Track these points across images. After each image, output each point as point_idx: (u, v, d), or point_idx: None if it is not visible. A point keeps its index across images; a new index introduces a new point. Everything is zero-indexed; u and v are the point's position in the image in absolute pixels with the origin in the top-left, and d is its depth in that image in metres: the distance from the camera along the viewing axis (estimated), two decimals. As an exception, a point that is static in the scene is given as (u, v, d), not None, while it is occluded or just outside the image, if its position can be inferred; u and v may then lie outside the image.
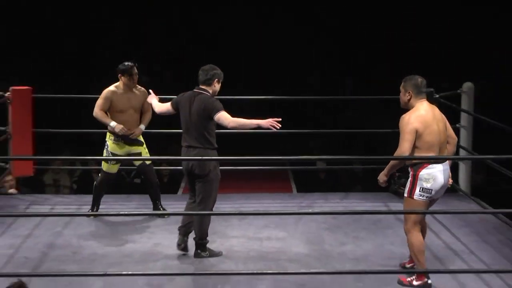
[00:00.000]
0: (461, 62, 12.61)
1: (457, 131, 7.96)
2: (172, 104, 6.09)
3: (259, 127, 5.84)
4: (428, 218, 6.92)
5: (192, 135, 5.90)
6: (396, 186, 7.93)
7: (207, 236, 6.04)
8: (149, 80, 13.00)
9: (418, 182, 5.24)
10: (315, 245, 6.42)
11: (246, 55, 13.35)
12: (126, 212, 7.34)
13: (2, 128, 7.64)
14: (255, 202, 7.79)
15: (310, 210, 7.55)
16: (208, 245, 6.08)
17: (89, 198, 7.44)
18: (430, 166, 5.20)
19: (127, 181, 9.81)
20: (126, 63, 6.91)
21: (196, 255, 6.02)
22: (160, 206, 7.23)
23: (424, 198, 5.28)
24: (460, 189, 7.89)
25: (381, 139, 10.48)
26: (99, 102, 6.91)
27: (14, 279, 4.16)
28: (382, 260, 6.06)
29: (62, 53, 12.60)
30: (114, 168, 7.06)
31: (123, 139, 6.95)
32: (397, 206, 7.60)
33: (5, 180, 8.01)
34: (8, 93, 7.53)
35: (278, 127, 5.76)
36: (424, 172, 5.22)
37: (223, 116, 5.80)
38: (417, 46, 13.09)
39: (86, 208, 7.35)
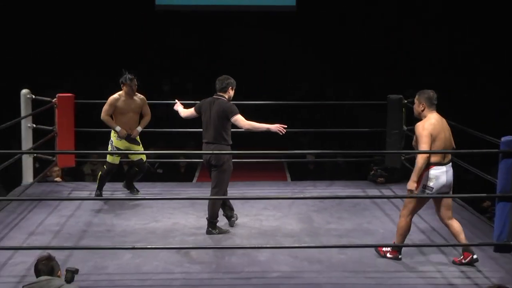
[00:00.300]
0: (418, 73, 12.62)
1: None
2: (195, 109, 6.10)
3: (268, 130, 5.84)
4: (398, 202, 6.92)
5: (211, 133, 5.89)
6: (374, 177, 7.94)
7: (217, 216, 6.02)
8: (169, 89, 13.05)
9: (423, 180, 5.11)
10: (305, 223, 6.40)
11: (247, 66, 13.35)
12: (150, 197, 7.34)
13: (50, 128, 7.66)
14: (256, 189, 7.78)
15: (301, 195, 7.52)
16: (217, 224, 6.06)
17: (119, 185, 7.44)
18: (435, 167, 5.09)
19: (152, 171, 9.80)
20: (129, 76, 6.90)
21: (208, 232, 5.99)
22: (135, 188, 7.30)
23: (425, 194, 5.15)
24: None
25: (359, 137, 10.48)
26: (105, 108, 6.93)
27: (44, 253, 4.08)
28: (361, 236, 6.05)
29: (103, 66, 12.61)
30: (116, 160, 7.13)
31: (124, 138, 6.99)
32: (373, 192, 7.63)
33: (53, 170, 8.04)
34: (55, 99, 7.55)
35: (284, 132, 5.79)
36: (429, 172, 5.10)
37: (239, 119, 5.82)
38: (386, 61, 13.10)
39: (118, 194, 7.37)
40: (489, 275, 5.08)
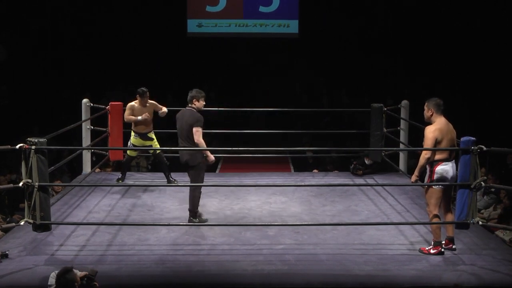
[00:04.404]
0: (398, 86, 12.57)
1: (397, 132, 7.92)
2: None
3: (206, 155, 5.49)
4: (380, 189, 6.91)
5: (183, 137, 5.50)
6: (355, 170, 7.92)
7: (198, 207, 5.67)
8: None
9: (435, 175, 4.77)
10: (305, 206, 6.39)
11: (260, 80, 13.36)
12: (182, 184, 7.33)
13: (104, 129, 7.67)
14: (266, 178, 7.75)
15: (302, 183, 7.49)
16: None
17: (159, 175, 7.45)
18: (443, 164, 4.76)
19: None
20: (143, 89, 6.90)
21: (190, 221, 5.60)
22: (171, 178, 7.14)
23: (439, 187, 4.81)
24: (400, 169, 7.83)
25: (348, 137, 10.44)
26: (126, 112, 6.94)
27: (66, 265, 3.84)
28: (349, 215, 6.04)
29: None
30: (134, 153, 7.28)
31: (139, 136, 6.98)
32: (360, 181, 7.58)
33: (105, 170, 8.15)
34: (108, 106, 7.57)
35: (211, 162, 5.52)
36: (438, 168, 4.77)
37: (197, 132, 5.41)
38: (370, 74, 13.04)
39: (158, 181, 7.34)
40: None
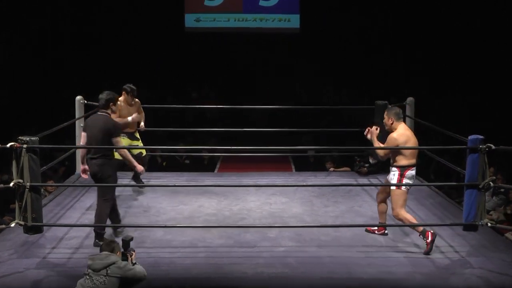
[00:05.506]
0: (400, 84, 12.52)
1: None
2: (83, 130, 5.22)
3: (134, 167, 5.23)
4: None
5: (95, 148, 5.04)
6: (358, 168, 7.84)
7: (105, 228, 5.14)
8: (197, 96, 13.02)
9: (404, 180, 5.04)
10: (307, 207, 6.31)
11: (259, 77, 13.30)
12: (179, 184, 7.27)
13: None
14: (266, 178, 7.67)
15: (304, 183, 7.40)
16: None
17: (155, 175, 7.36)
18: (413, 168, 5.06)
19: (180, 163, 9.74)
20: (132, 86, 6.47)
21: (96, 244, 4.93)
22: (141, 181, 6.77)
23: (407, 189, 5.11)
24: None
25: (351, 136, 10.36)
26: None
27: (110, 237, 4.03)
28: (353, 217, 5.97)
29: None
30: (118, 156, 5.87)
31: (127, 136, 6.47)
32: (363, 181, 7.52)
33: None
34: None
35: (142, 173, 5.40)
36: (408, 173, 5.04)
37: (117, 144, 5.07)
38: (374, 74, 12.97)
39: (154, 182, 7.25)
40: (458, 250, 4.99)
